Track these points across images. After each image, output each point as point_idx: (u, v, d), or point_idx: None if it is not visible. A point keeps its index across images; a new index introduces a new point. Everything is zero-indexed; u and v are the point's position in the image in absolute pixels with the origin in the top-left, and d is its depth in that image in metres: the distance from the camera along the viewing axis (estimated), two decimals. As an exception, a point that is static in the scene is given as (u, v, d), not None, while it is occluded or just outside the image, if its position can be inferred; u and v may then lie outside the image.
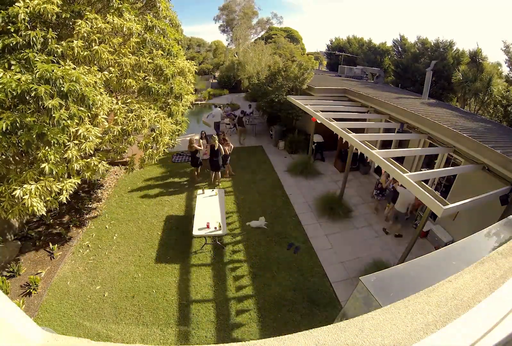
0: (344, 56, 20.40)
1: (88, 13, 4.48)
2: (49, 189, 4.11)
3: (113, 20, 4.66)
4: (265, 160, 10.71)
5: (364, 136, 6.38)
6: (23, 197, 3.81)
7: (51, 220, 6.77)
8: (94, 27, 4.49)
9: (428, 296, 1.10)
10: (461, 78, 12.17)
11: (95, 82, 4.45)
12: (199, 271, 5.67)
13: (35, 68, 3.65)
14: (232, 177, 9.30)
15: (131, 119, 5.20)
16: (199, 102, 19.58)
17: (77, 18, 4.43)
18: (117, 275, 5.55)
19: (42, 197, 4.07)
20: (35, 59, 3.76)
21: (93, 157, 4.87)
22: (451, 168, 5.89)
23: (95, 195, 7.97)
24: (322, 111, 7.96)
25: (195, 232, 5.77)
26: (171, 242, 6.42)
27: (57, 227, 6.64)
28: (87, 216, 7.16)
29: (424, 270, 2.54)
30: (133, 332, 4.52)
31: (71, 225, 6.74)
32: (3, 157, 3.97)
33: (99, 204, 7.67)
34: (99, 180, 8.46)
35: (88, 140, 4.38)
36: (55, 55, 4.08)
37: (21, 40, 3.78)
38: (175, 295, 5.14)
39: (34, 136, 3.63)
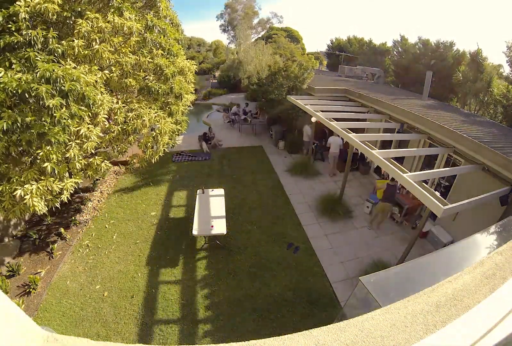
0: (344, 56, 20.40)
1: (88, 12, 4.48)
2: (50, 189, 4.12)
3: (113, 20, 4.66)
4: (265, 160, 10.70)
5: (364, 136, 6.38)
6: (25, 197, 3.82)
7: (51, 220, 6.77)
8: (95, 26, 4.49)
9: (428, 296, 1.09)
10: (461, 78, 12.18)
11: (96, 81, 4.45)
12: (199, 270, 5.67)
13: (36, 68, 3.65)
14: (233, 177, 9.30)
15: (131, 119, 5.20)
16: (199, 102, 19.57)
17: (78, 17, 4.43)
18: (116, 274, 5.55)
19: (43, 197, 4.08)
20: (36, 58, 3.76)
21: (96, 157, 4.88)
22: (451, 168, 5.90)
23: (95, 195, 7.97)
24: (322, 111, 7.95)
25: (195, 232, 5.77)
26: (171, 241, 6.42)
27: (57, 226, 6.64)
28: (87, 216, 7.16)
29: (424, 270, 2.55)
30: (133, 331, 4.53)
31: (71, 225, 6.74)
32: (4, 156, 3.97)
33: (99, 204, 7.67)
34: (99, 179, 8.45)
35: (90, 139, 4.39)
36: (56, 54, 4.07)
37: (22, 39, 3.78)
38: (174, 295, 5.14)
39: (34, 135, 3.63)
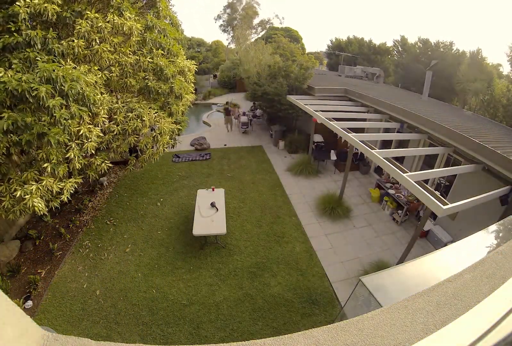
0: (344, 56, 20.42)
1: (88, 12, 4.48)
2: (50, 189, 4.12)
3: (113, 20, 4.65)
4: (265, 160, 10.70)
5: (364, 136, 6.38)
6: (24, 197, 3.82)
7: (51, 220, 6.77)
8: (95, 26, 4.49)
9: (428, 296, 1.09)
10: (461, 78, 12.18)
11: (96, 81, 4.45)
12: (199, 270, 5.67)
13: (36, 68, 3.65)
14: (233, 177, 9.30)
15: (131, 119, 5.20)
16: (199, 102, 19.57)
17: (78, 17, 4.43)
18: (116, 274, 5.55)
19: (43, 197, 4.07)
20: (36, 58, 3.76)
21: (96, 157, 4.88)
22: (451, 168, 5.89)
23: (95, 194, 7.97)
24: (322, 111, 7.96)
25: (195, 231, 5.77)
26: (171, 241, 6.42)
27: (57, 226, 6.64)
28: (87, 216, 7.16)
29: (424, 270, 2.55)
30: (133, 331, 4.53)
31: (71, 225, 6.74)
32: (4, 156, 3.97)
33: (99, 204, 7.68)
34: (100, 179, 8.45)
35: (90, 140, 4.39)
36: (56, 54, 4.08)
37: (21, 39, 3.78)
38: (175, 295, 5.14)
39: (34, 135, 3.63)
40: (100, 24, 4.50)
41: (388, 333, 0.91)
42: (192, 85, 7.13)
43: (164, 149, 6.19)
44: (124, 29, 4.81)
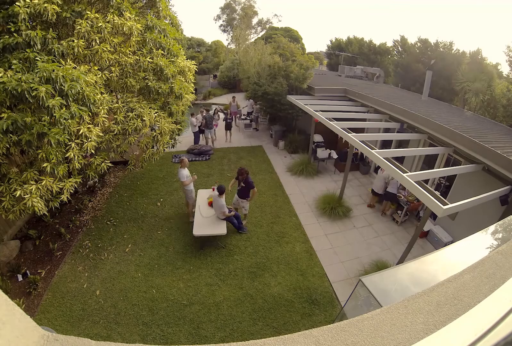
0: (344, 56, 20.43)
1: (88, 12, 4.48)
2: (50, 189, 4.12)
3: (113, 20, 4.66)
4: (265, 160, 10.70)
5: (364, 136, 6.38)
6: (24, 197, 3.82)
7: (51, 220, 6.77)
8: (95, 26, 4.49)
9: (428, 296, 1.09)
10: (461, 77, 12.18)
11: (95, 81, 4.45)
12: (199, 270, 5.67)
13: (35, 68, 3.65)
14: (233, 177, 9.30)
15: (131, 118, 5.20)
16: (199, 102, 19.58)
17: (78, 17, 4.43)
18: (117, 275, 5.55)
19: (43, 197, 4.08)
20: (36, 58, 3.76)
21: (96, 156, 4.89)
22: (451, 168, 5.89)
23: (95, 194, 7.97)
24: (322, 111, 7.96)
25: (195, 232, 5.77)
26: (171, 241, 6.42)
27: (57, 226, 6.64)
28: (87, 216, 7.16)
29: (424, 270, 2.55)
30: (133, 331, 4.53)
31: (71, 225, 6.74)
32: (4, 156, 3.97)
33: (99, 204, 7.67)
34: (99, 179, 8.45)
35: (89, 139, 4.39)
36: (56, 54, 4.08)
37: (21, 39, 3.78)
38: (175, 295, 5.14)
39: (34, 135, 3.63)
40: (100, 24, 4.50)
41: (388, 333, 0.91)
42: (192, 85, 7.13)
43: (164, 149, 6.20)
44: (124, 29, 4.81)
